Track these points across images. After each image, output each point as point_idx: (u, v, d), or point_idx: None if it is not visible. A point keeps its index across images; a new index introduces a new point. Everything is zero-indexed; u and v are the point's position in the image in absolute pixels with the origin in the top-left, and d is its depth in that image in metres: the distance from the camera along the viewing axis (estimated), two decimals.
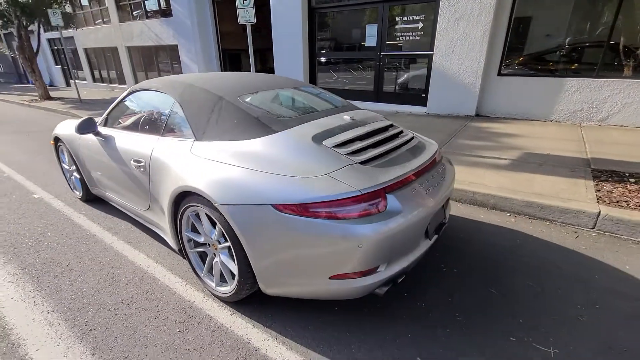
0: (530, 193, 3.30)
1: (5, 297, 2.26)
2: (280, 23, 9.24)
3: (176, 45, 12.64)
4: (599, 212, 2.88)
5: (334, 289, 1.76)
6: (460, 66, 6.87)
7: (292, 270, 1.79)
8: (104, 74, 17.67)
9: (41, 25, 12.92)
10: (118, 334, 1.93)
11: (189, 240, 2.29)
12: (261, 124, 2.08)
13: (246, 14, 5.69)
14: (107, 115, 3.10)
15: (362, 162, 1.89)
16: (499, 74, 6.79)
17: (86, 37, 17.08)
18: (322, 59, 9.49)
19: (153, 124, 2.61)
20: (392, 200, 1.76)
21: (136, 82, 15.69)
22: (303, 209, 1.64)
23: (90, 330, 1.96)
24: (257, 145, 1.96)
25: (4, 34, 17.96)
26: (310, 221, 1.63)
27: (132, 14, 14.44)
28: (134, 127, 2.78)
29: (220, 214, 1.85)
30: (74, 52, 18.56)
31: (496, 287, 2.25)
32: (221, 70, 12.66)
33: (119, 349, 1.82)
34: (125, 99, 3.01)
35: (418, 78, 7.90)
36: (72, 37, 17.81)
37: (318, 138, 2.00)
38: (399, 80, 8.25)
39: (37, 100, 13.06)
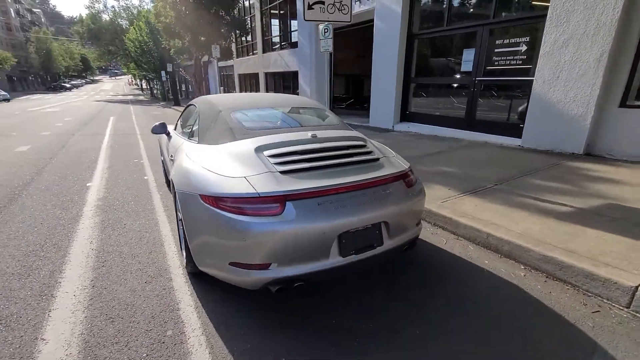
0: (557, 247, 2.68)
1: None
2: (380, 48, 9.66)
3: (297, 72, 14.58)
4: (637, 287, 2.16)
5: (232, 276, 2.05)
6: (566, 95, 5.77)
7: (208, 252, 2.17)
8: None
9: (209, 57, 17.03)
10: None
11: (178, 218, 2.93)
12: (231, 133, 2.56)
13: (326, 44, 6.36)
14: (177, 122, 4.16)
15: (283, 172, 2.11)
16: (623, 104, 5.38)
17: (240, 65, 21.42)
18: (415, 84, 9.38)
19: (188, 129, 3.42)
20: (290, 208, 1.93)
21: None
22: (215, 200, 2.01)
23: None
24: (219, 149, 2.44)
25: (186, 65, 24.19)
26: (218, 212, 1.98)
27: (272, 46, 17.43)
28: (181, 131, 3.68)
29: (176, 196, 2.40)
30: (231, 77, 23.46)
31: None
32: (329, 93, 13.87)
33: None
34: (185, 111, 3.99)
35: (515, 107, 6.96)
36: (232, 66, 22.63)
37: (262, 148, 2.33)
38: (494, 109, 7.42)
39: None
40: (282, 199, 1.95)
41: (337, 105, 18.45)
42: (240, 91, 22.67)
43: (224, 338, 1.99)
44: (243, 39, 20.88)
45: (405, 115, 9.72)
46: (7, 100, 30.61)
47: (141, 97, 38.32)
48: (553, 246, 2.71)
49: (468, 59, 7.74)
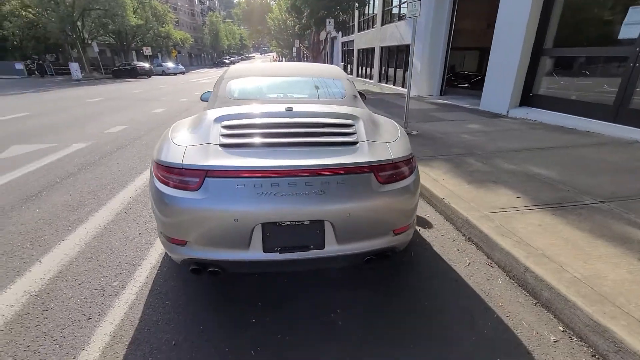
0: (629, 316, 1.66)
1: None
2: (505, 12, 7.77)
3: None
4: None
5: (164, 246, 2.02)
6: None
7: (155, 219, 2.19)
8: (362, 70, 21.26)
9: (328, 33, 17.24)
10: None
11: None
12: (216, 101, 2.48)
13: (413, 8, 5.43)
14: None
15: (223, 145, 1.90)
16: None
17: (360, 40, 21.01)
18: (548, 57, 7.22)
19: None
20: (206, 185, 1.74)
21: (380, 78, 17.93)
22: (155, 167, 1.99)
23: None
24: (200, 116, 2.39)
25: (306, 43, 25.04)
26: (153, 179, 1.95)
27: (391, 17, 16.32)
28: None
29: None
30: (352, 52, 23.33)
31: None
32: (442, 69, 12.23)
33: None
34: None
35: None
36: (352, 40, 22.43)
37: (222, 118, 2.14)
38: None
39: None
40: (202, 174, 1.76)
41: (460, 84, 16.20)
42: (358, 66, 22.41)
43: (153, 303, 2.01)
44: (365, 11, 20.24)
45: (527, 98, 7.71)
46: (183, 73, 38.57)
47: None
48: (620, 310, 1.69)
49: (634, 20, 5.43)
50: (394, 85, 15.95)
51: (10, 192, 3.64)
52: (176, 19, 52.58)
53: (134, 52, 39.76)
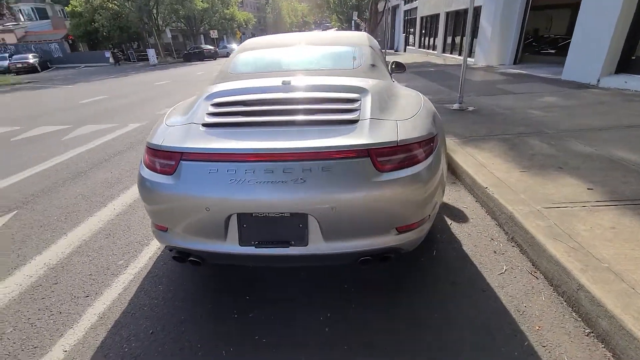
0: None
1: None
2: None
3: (480, 8, 11.65)
4: None
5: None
6: None
7: None
8: (425, 41, 19.48)
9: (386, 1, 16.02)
10: None
11: None
12: (218, 77, 2.32)
13: None
14: None
15: (206, 124, 1.73)
16: None
17: (423, 6, 19.15)
18: None
19: None
20: (180, 169, 1.60)
21: (444, 47, 16.25)
22: (145, 148, 1.91)
23: None
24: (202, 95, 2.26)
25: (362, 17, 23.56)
26: (142, 160, 1.87)
27: None
28: None
29: None
30: (414, 21, 21.47)
31: None
32: (517, 33, 10.50)
33: None
34: None
35: None
36: (415, 8, 20.57)
37: (212, 96, 1.96)
38: None
39: None
40: (177, 157, 1.61)
41: (542, 50, 13.93)
42: (421, 36, 20.60)
43: (146, 286, 2.00)
44: None
45: (627, 63, 6.18)
46: None
47: None
48: None
49: None
50: (459, 55, 14.32)
51: (66, 169, 4.03)
52: (240, 0, 54.02)
53: (202, 36, 42.06)
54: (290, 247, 1.57)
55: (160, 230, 1.75)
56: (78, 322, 1.75)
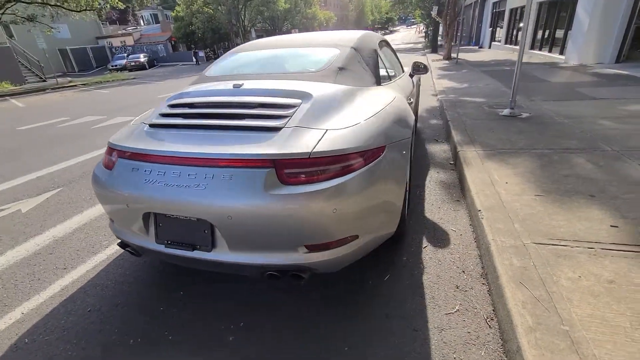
0: None
1: None
2: None
3: None
4: None
5: None
6: None
7: None
8: (513, 36, 17.31)
9: None
10: None
11: None
12: (197, 79, 2.44)
13: None
14: None
15: (152, 125, 1.84)
16: None
17: None
18: None
19: None
20: (117, 166, 1.73)
21: (532, 45, 14.24)
22: None
23: None
24: None
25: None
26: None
27: None
28: None
29: None
30: (502, 14, 19.23)
31: None
32: (627, 23, 8.61)
33: None
34: None
35: None
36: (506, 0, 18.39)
37: (171, 98, 2.06)
38: None
39: (439, 60, 15.85)
40: (116, 154, 1.76)
41: None
42: (508, 31, 18.37)
43: (111, 269, 2.22)
44: None
45: None
46: None
47: (420, 45, 39.34)
48: None
49: None
50: (549, 52, 12.40)
51: None
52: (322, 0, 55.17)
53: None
54: (195, 252, 1.58)
55: (110, 220, 1.93)
56: (45, 290, 2.04)
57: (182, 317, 1.78)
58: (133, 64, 28.06)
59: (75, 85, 16.01)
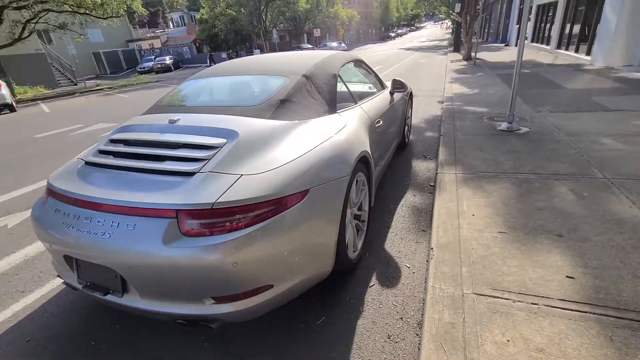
0: None
1: None
2: None
3: None
4: None
5: None
6: None
7: None
8: (540, 34, 16.36)
9: None
10: None
11: None
12: (150, 107, 2.45)
13: None
14: None
15: (87, 163, 1.87)
16: None
17: None
18: None
19: None
20: (47, 201, 1.77)
21: (559, 44, 13.38)
22: None
23: None
24: None
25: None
26: None
27: None
28: None
29: None
30: (530, 11, 18.22)
31: None
32: None
33: None
34: None
35: None
36: None
37: (115, 131, 2.08)
38: None
39: (458, 60, 15.26)
40: (48, 192, 1.80)
41: None
42: (535, 28, 17.39)
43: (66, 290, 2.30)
44: None
45: None
46: (344, 51, 40.40)
47: (445, 42, 38.08)
48: None
49: None
50: (576, 52, 11.61)
51: None
52: None
53: (305, 35, 44.30)
54: (108, 295, 1.59)
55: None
56: (15, 303, 2.15)
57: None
58: (159, 66, 29.16)
59: (101, 89, 16.86)
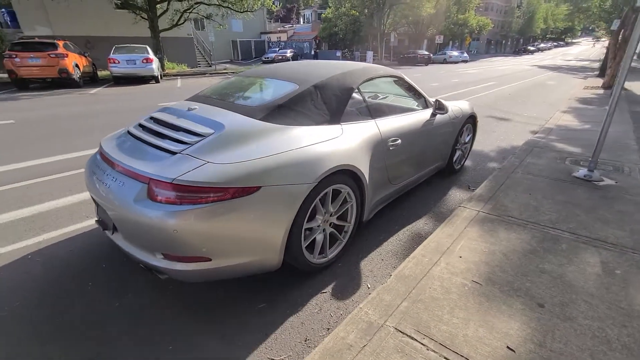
0: None
1: None
2: None
3: None
4: None
5: None
6: None
7: None
8: None
9: None
10: None
11: None
12: (191, 96, 2.97)
13: None
14: None
15: (128, 132, 2.44)
16: None
17: None
18: None
19: None
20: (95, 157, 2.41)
21: None
22: None
23: None
24: None
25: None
26: None
27: None
28: None
29: None
30: None
31: None
32: None
33: None
34: None
35: None
36: None
37: (157, 111, 2.61)
38: None
39: (595, 87, 12.77)
40: (99, 149, 2.44)
41: None
42: None
43: None
44: None
45: None
46: (465, 61, 37.35)
47: (596, 64, 31.87)
48: None
49: None
50: None
51: None
52: (482, 4, 50.30)
53: (425, 41, 42.59)
54: (106, 231, 2.11)
55: None
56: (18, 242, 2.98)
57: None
58: (280, 57, 32.17)
59: (226, 72, 19.69)
